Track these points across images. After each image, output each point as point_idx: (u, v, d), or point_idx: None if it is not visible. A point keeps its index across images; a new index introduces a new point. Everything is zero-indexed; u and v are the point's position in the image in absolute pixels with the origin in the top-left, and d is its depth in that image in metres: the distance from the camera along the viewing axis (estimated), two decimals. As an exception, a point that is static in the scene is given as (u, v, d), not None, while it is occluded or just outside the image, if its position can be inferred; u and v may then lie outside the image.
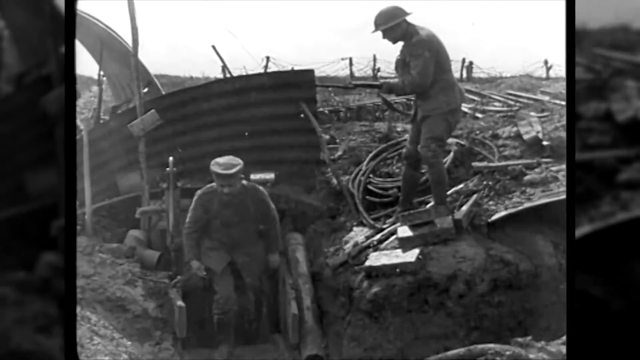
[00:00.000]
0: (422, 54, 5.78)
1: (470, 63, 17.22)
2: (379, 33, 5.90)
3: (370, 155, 7.70)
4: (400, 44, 5.99)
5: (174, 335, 5.69)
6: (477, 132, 7.55)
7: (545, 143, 6.78)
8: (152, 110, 7.13)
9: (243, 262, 5.95)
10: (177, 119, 7.63)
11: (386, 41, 5.96)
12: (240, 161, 5.78)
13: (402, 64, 5.96)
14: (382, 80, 6.17)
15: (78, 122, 7.64)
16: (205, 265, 5.88)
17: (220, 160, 5.78)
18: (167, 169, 6.47)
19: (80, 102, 12.18)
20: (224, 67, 15.20)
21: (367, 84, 6.25)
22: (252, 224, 6.01)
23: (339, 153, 8.13)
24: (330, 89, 11.06)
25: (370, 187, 7.24)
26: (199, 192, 5.97)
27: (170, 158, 6.51)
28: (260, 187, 6.07)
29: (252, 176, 6.93)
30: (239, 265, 5.94)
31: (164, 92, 9.51)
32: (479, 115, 9.06)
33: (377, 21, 5.89)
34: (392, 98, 7.18)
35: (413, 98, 6.29)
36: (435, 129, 5.89)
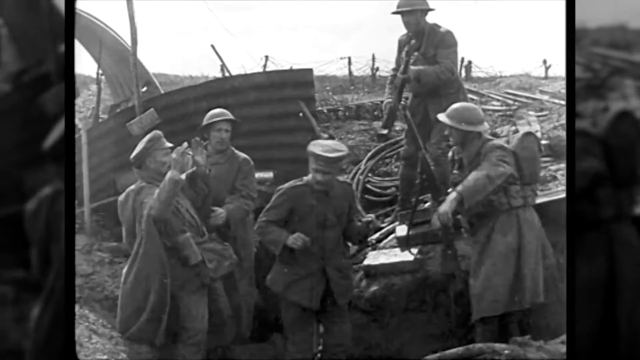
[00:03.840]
0: (454, 44, 5.83)
1: (469, 62, 17.21)
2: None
3: (369, 154, 7.71)
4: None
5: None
6: (476, 131, 7.54)
7: (543, 142, 6.78)
8: (151, 109, 7.14)
9: (334, 278, 4.79)
10: (176, 118, 7.63)
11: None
12: (345, 149, 4.88)
13: (422, 58, 5.91)
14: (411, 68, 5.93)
15: (77, 121, 7.64)
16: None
17: (321, 141, 4.99)
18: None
19: (79, 101, 12.17)
20: (223, 66, 15.17)
21: (405, 68, 6.00)
22: (340, 230, 4.87)
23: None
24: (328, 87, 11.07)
25: (368, 186, 7.25)
26: (284, 186, 4.89)
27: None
28: (353, 185, 5.17)
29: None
30: (330, 283, 4.77)
31: (162, 91, 9.50)
32: (478, 114, 9.05)
33: (401, 4, 5.89)
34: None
35: (408, 100, 6.26)
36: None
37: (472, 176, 4.51)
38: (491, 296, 4.64)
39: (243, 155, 5.57)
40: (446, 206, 4.47)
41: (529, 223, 4.73)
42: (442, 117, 4.83)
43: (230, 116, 5.54)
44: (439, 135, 5.86)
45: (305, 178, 4.86)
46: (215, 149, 5.49)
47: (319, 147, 4.76)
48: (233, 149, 5.59)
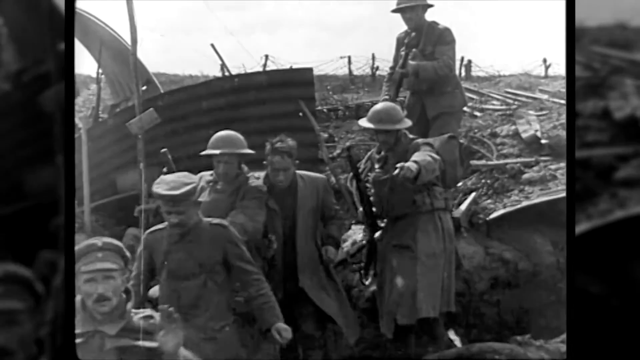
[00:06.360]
0: (452, 41, 5.83)
1: (469, 61, 17.17)
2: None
3: (369, 154, 7.69)
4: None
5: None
6: (476, 130, 7.56)
7: (543, 141, 6.79)
8: (151, 109, 7.11)
9: (194, 339, 3.71)
10: (176, 117, 7.63)
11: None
12: (195, 179, 4.19)
13: (420, 55, 5.90)
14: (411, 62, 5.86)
15: (77, 120, 7.64)
16: None
17: (168, 177, 4.21)
18: (164, 169, 6.46)
19: (78, 101, 12.16)
20: (223, 66, 15.13)
21: (404, 62, 5.96)
22: (215, 282, 4.11)
23: (338, 151, 8.14)
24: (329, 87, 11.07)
25: (368, 185, 7.22)
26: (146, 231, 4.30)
27: (164, 151, 6.47)
28: (231, 228, 4.22)
29: (252, 175, 6.86)
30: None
31: (162, 91, 9.49)
32: (478, 113, 9.05)
33: (402, 1, 5.89)
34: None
35: (406, 97, 6.25)
36: (450, 126, 5.89)
37: (417, 156, 4.35)
38: (422, 298, 4.53)
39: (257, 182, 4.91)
40: (411, 165, 4.17)
41: (449, 228, 4.68)
42: (363, 122, 4.83)
43: (234, 150, 4.86)
44: (436, 134, 5.86)
45: (165, 222, 4.22)
46: (219, 179, 4.88)
47: (164, 185, 4.05)
48: (247, 175, 4.99)
